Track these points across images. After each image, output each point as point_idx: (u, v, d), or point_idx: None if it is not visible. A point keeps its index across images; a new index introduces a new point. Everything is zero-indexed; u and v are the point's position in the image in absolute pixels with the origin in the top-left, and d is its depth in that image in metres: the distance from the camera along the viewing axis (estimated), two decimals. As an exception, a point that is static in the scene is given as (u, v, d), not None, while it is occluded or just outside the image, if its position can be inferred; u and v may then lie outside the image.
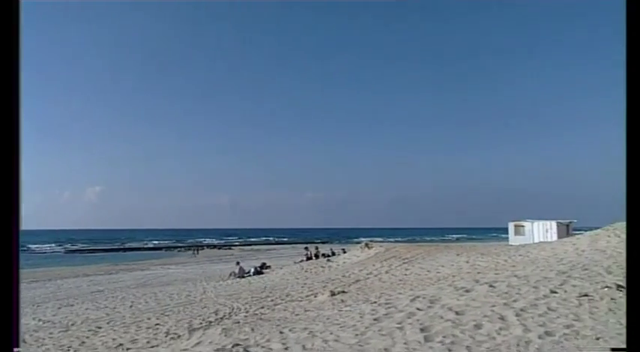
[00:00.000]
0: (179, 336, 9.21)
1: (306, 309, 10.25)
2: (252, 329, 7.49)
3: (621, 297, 6.80)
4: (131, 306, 14.46)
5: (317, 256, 27.69)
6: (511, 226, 39.66)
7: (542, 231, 38.08)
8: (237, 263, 24.62)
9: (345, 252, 25.89)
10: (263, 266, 25.45)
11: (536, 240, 33.37)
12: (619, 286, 7.44)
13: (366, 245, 24.65)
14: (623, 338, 5.08)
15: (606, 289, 7.27)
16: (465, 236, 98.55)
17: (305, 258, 27.51)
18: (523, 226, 38.94)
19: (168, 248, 72.37)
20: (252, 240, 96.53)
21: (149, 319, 11.76)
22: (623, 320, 5.67)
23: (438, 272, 14.49)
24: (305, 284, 15.96)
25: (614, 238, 17.13)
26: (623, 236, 17.90)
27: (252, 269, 23.06)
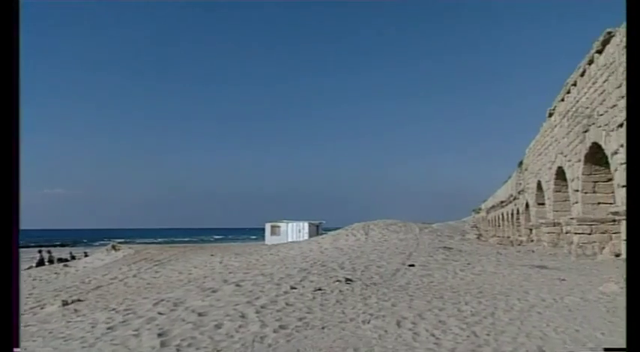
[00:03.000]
0: None
1: (26, 324, 8.94)
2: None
3: (347, 289, 7.95)
4: None
5: (51, 261, 24.61)
6: (268, 227, 42.40)
7: (295, 231, 41.82)
8: None
9: (87, 256, 23.71)
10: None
11: (290, 240, 36.45)
12: (347, 279, 8.68)
13: (114, 247, 23.06)
14: (345, 325, 5.93)
15: (337, 283, 8.39)
16: (226, 236, 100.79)
17: (35, 264, 24.13)
18: (279, 226, 42.10)
19: None
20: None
21: None
22: (348, 310, 6.63)
23: (190, 274, 14.51)
24: (31, 294, 13.95)
25: (351, 237, 20.03)
26: (359, 235, 21.06)
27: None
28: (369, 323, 5.89)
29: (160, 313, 6.69)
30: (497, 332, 5.27)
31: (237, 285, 8.39)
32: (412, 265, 11.15)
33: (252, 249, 21.62)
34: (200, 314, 6.41)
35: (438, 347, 4.80)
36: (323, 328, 5.70)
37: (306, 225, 42.20)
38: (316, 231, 42.28)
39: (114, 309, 7.82)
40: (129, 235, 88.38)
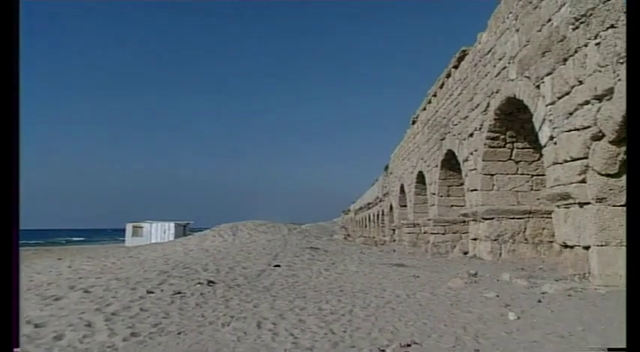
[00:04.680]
0: None
1: None
2: None
3: (209, 292, 7.79)
4: None
5: None
6: (129, 227, 40.11)
7: (160, 231, 40.08)
8: None
9: None
10: None
11: (153, 241, 34.82)
12: (209, 282, 8.50)
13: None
14: (204, 329, 5.79)
15: (198, 285, 8.18)
16: (89, 238, 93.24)
17: None
18: (142, 227, 40.01)
19: None
20: None
21: None
22: (207, 313, 6.48)
23: (31, 280, 13.08)
24: None
25: (218, 238, 19.69)
26: (227, 236, 20.78)
27: None
28: (228, 325, 5.83)
29: (-14, 325, 5.95)
30: (353, 328, 5.54)
31: (86, 291, 7.78)
32: (278, 265, 11.28)
33: (109, 252, 20.23)
34: (37, 326, 5.82)
35: (296, 346, 4.90)
36: (179, 333, 5.52)
37: (172, 225, 40.69)
38: (183, 231, 40.94)
39: None
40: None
